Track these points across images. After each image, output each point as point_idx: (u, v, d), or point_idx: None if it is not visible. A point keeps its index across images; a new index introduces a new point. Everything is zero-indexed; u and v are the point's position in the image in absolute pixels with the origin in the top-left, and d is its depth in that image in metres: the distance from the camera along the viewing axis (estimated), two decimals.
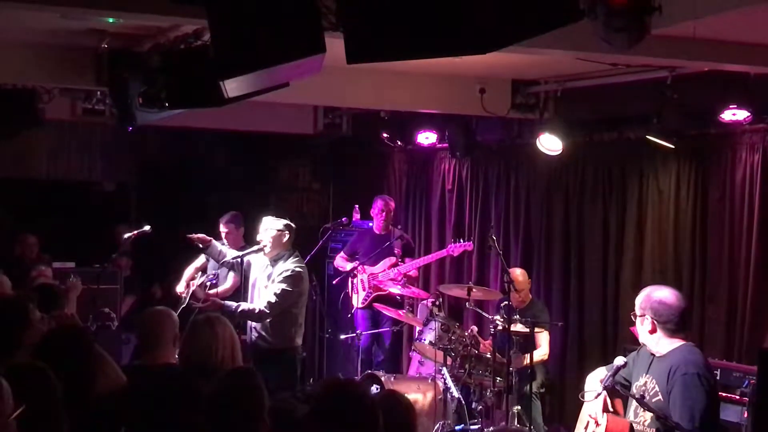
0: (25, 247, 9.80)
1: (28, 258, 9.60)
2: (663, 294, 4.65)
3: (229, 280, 8.45)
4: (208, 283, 8.26)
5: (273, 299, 7.05)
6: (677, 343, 4.58)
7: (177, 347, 4.85)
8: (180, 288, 8.53)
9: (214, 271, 8.52)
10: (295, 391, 5.98)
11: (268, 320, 7.19)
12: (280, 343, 7.25)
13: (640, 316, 4.66)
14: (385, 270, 8.94)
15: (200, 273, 8.66)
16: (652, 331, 4.62)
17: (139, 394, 4.46)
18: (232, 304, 7.15)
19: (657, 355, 4.62)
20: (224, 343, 4.64)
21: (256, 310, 7.08)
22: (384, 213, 9.16)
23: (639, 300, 4.71)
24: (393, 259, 9.01)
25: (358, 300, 9.02)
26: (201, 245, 7.86)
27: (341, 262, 9.28)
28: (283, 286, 7.07)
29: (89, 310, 8.20)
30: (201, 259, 8.72)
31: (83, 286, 8.09)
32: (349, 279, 8.97)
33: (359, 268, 8.83)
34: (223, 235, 8.69)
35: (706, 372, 4.51)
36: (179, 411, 3.97)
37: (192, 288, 8.26)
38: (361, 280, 8.99)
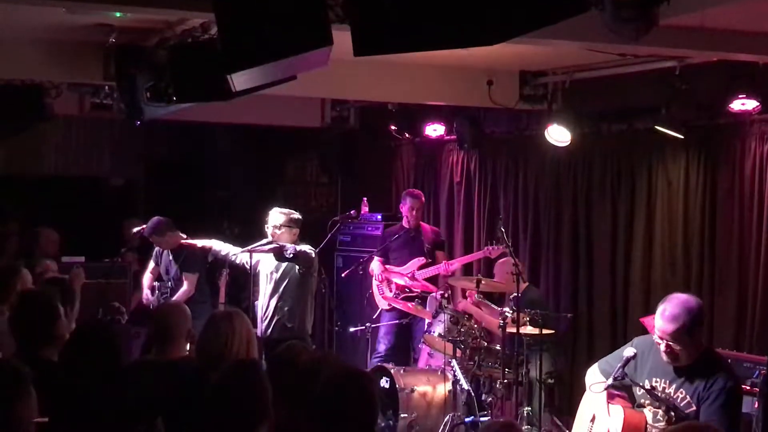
0: (46, 243, 9.79)
1: (42, 251, 9.61)
2: (690, 299, 4.55)
3: (186, 284, 8.46)
4: (164, 292, 8.45)
5: (309, 249, 7.58)
6: (701, 347, 4.57)
7: (189, 342, 4.87)
8: (148, 297, 8.67)
9: (166, 281, 8.62)
10: None
11: (287, 307, 7.58)
12: (299, 331, 7.53)
13: (693, 333, 4.46)
14: (413, 271, 8.67)
15: (156, 281, 8.73)
16: (698, 340, 4.52)
17: (151, 387, 4.49)
18: (290, 246, 7.48)
19: (684, 363, 4.55)
20: (240, 338, 4.67)
21: (306, 251, 7.56)
22: (416, 211, 8.93)
23: (680, 326, 4.42)
24: (422, 260, 8.77)
25: (383, 302, 8.82)
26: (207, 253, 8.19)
27: (378, 266, 8.93)
28: (305, 247, 7.58)
29: (99, 305, 8.23)
30: (151, 264, 8.78)
31: (93, 280, 8.15)
32: (374, 280, 8.85)
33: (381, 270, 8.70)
34: (155, 245, 8.71)
35: (736, 378, 4.56)
36: (191, 403, 4.00)
37: (152, 303, 8.45)
38: (387, 282, 8.79)
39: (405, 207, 9.01)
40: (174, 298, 8.44)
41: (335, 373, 3.56)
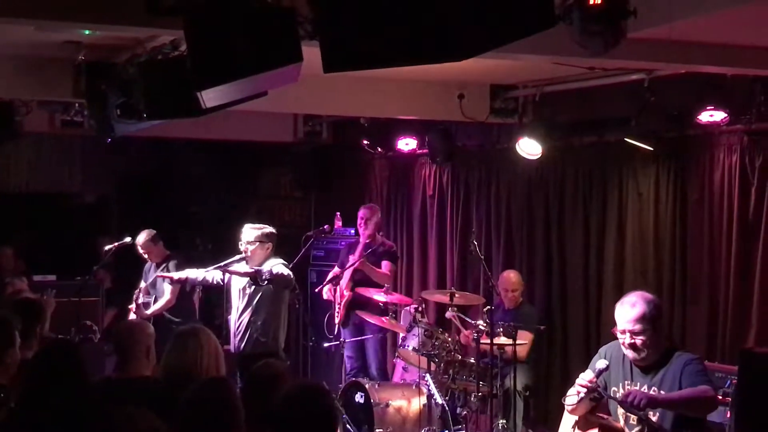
0: (6, 261, 9.79)
1: (4, 269, 9.58)
2: (645, 293, 4.69)
3: (167, 293, 8.54)
4: (144, 301, 8.51)
5: (284, 269, 7.42)
6: (664, 346, 4.64)
7: (151, 360, 4.83)
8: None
9: (152, 294, 8.75)
10: None
11: (260, 322, 7.48)
12: (273, 346, 7.50)
13: (655, 324, 4.59)
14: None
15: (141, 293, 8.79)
16: (661, 335, 4.63)
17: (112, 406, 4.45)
18: (265, 270, 7.35)
19: (650, 360, 4.59)
20: (209, 354, 4.65)
21: (283, 273, 7.40)
22: (372, 224, 8.77)
23: (640, 313, 4.57)
24: (337, 271, 8.74)
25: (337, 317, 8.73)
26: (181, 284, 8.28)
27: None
28: (281, 269, 7.42)
29: (71, 323, 8.18)
30: (142, 284, 8.88)
31: (65, 299, 8.11)
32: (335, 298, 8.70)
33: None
34: (145, 256, 8.86)
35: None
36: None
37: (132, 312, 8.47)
38: (335, 297, 8.70)
39: (362, 223, 8.82)
40: (155, 306, 8.62)
41: (291, 389, 3.57)
